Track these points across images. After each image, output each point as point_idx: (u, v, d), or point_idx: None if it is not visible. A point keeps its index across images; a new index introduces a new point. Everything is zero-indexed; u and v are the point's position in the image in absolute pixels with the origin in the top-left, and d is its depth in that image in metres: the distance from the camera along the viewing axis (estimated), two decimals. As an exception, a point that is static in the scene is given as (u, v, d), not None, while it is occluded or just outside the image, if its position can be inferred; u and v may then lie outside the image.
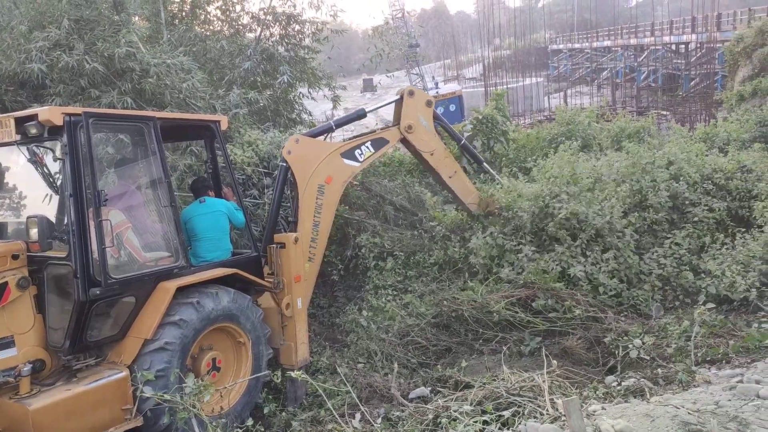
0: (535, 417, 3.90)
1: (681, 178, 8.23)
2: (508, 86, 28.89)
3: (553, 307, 6.51)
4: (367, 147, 6.77)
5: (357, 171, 6.91)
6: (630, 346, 5.54)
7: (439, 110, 25.44)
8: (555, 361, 5.06)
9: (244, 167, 8.01)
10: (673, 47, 35.53)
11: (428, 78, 28.03)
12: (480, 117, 11.52)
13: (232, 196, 6.30)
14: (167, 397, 4.38)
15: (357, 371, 6.31)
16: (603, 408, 3.72)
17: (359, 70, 19.26)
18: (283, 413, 5.73)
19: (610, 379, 5.30)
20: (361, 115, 7.27)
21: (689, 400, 3.76)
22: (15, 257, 4.48)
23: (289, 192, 6.61)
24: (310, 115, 12.12)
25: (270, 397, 5.97)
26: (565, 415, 3.47)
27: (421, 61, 28.48)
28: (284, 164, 6.29)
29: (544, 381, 4.40)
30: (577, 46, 46.02)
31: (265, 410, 5.55)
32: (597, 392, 4.77)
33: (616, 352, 5.76)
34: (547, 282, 6.64)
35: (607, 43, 41.78)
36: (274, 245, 6.26)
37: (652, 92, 32.78)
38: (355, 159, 6.69)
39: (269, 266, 6.28)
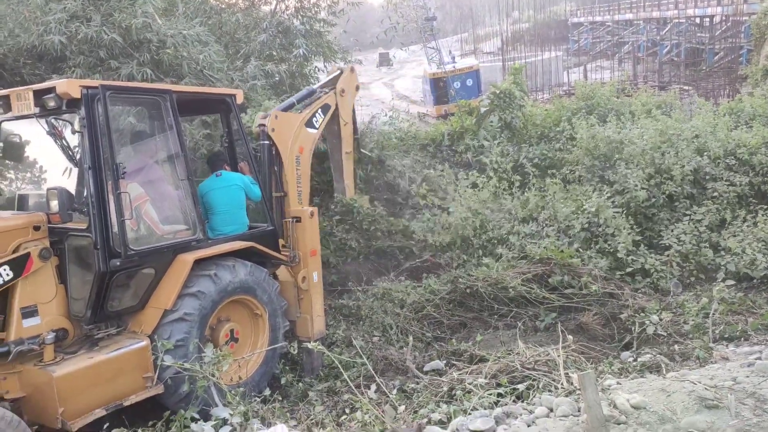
0: (549, 391, 3.92)
1: (705, 153, 8.09)
2: (527, 60, 28.37)
3: (570, 283, 6.49)
4: (320, 113, 6.96)
5: (317, 137, 7.05)
6: (647, 322, 5.52)
7: (456, 85, 25.09)
8: (570, 336, 5.06)
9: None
10: (697, 20, 34.51)
11: (445, 52, 27.58)
12: (497, 92, 11.35)
13: (248, 170, 6.31)
14: (187, 366, 4.47)
15: (372, 344, 6.38)
16: (618, 383, 3.72)
17: (374, 43, 19.01)
18: (300, 384, 5.82)
19: (625, 354, 5.30)
20: (312, 92, 7.39)
21: (706, 376, 3.75)
22: (36, 228, 4.54)
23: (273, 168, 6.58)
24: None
25: (287, 368, 6.05)
26: (580, 389, 3.47)
27: (438, 35, 27.99)
28: (267, 142, 6.26)
29: (559, 355, 4.41)
30: (598, 19, 44.92)
31: (282, 380, 5.64)
32: (612, 368, 4.77)
33: (633, 328, 5.75)
34: (563, 258, 6.60)
35: (629, 16, 40.71)
36: (291, 219, 6.29)
37: (674, 67, 32.01)
38: (314, 126, 6.87)
39: (284, 240, 6.31)
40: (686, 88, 25.29)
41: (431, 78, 24.88)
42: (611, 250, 6.77)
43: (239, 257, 5.51)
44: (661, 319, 5.54)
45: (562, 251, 6.61)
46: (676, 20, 34.59)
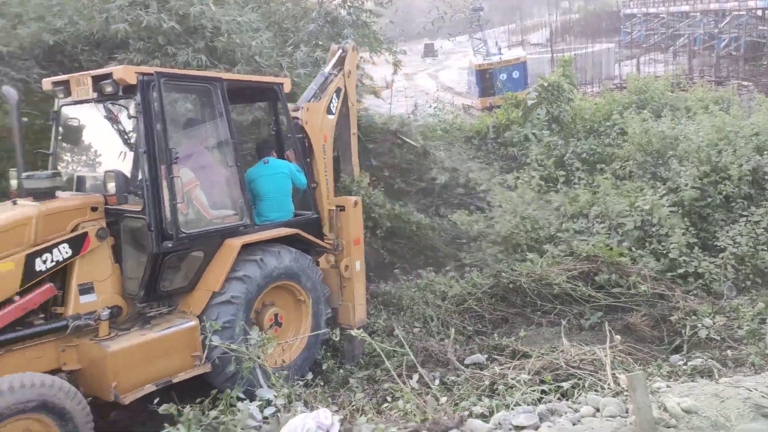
0: (595, 390, 3.84)
1: (765, 152, 7.73)
2: (576, 53, 27.67)
3: (617, 282, 6.33)
4: (335, 98, 6.88)
5: (335, 123, 6.97)
6: (699, 325, 5.34)
7: (502, 77, 24.75)
8: (618, 336, 4.94)
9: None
10: (759, 12, 32.90)
11: (491, 43, 27.15)
12: (546, 84, 11.14)
13: (294, 158, 6.38)
14: (234, 347, 4.58)
15: (413, 335, 6.39)
16: (668, 386, 3.62)
17: (420, 33, 18.81)
18: (341, 370, 5.89)
19: (675, 358, 5.15)
20: (326, 77, 7.18)
21: (762, 384, 3.60)
22: (94, 209, 4.72)
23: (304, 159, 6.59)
24: (371, 80, 12.04)
25: (328, 354, 6.13)
26: (628, 390, 3.39)
27: (485, 26, 27.57)
28: (301, 135, 6.28)
29: (606, 355, 4.31)
30: (652, 10, 43.37)
31: (324, 366, 5.71)
32: (661, 370, 4.65)
33: (683, 331, 5.58)
34: (612, 256, 6.43)
35: (685, 7, 39.15)
36: (335, 208, 6.34)
37: (733, 61, 30.65)
38: (332, 112, 6.79)
39: (329, 228, 6.37)
40: (745, 83, 24.19)
41: (477, 69, 24.57)
42: (664, 252, 6.55)
43: (284, 244, 5.60)
44: (714, 323, 5.34)
45: (610, 249, 6.44)
46: (736, 12, 33.07)
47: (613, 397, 3.57)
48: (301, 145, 6.27)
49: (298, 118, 6.20)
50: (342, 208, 6.29)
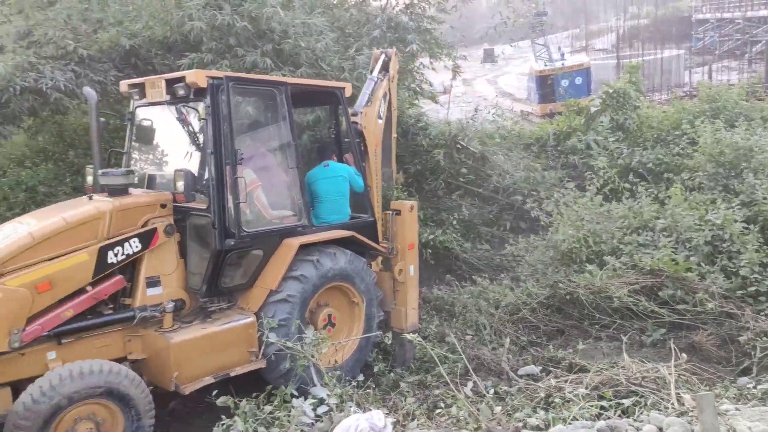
0: (658, 409, 3.69)
1: None
2: (644, 59, 26.71)
3: (683, 298, 6.05)
4: (383, 103, 6.87)
5: (382, 127, 6.94)
6: (771, 347, 5.03)
7: (564, 83, 24.17)
8: (684, 355, 4.73)
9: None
10: None
11: (554, 48, 26.58)
12: (611, 91, 10.81)
13: (352, 162, 6.46)
14: (289, 344, 4.67)
15: (465, 342, 6.33)
16: (737, 409, 3.43)
17: (481, 39, 18.62)
18: (392, 374, 5.91)
19: (743, 380, 4.89)
20: (375, 82, 7.17)
21: (842, 413, 3.35)
22: (163, 206, 4.94)
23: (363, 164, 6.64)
24: (431, 85, 12.04)
25: (379, 357, 6.16)
26: (693, 411, 3.25)
27: (548, 31, 27.02)
28: (359, 139, 6.33)
29: (670, 373, 4.13)
30: (727, 15, 41.27)
31: (375, 369, 5.74)
32: (728, 392, 4.41)
33: (753, 352, 5.28)
34: (678, 271, 6.16)
35: (763, 12, 37.03)
36: (391, 212, 6.37)
37: (815, 69, 28.73)
38: (380, 117, 6.80)
39: (384, 232, 6.41)
40: (829, 92, 22.65)
41: (538, 75, 24.10)
42: (734, 270, 6.21)
43: (340, 245, 5.68)
44: (788, 346, 5.03)
45: (676, 263, 6.16)
46: (821, 17, 31.00)
47: (678, 417, 3.42)
48: (358, 149, 6.36)
49: (357, 123, 6.28)
50: (398, 212, 6.32)
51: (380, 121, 6.76)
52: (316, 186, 5.98)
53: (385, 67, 7.22)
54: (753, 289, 6.16)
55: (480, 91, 30.07)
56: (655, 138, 10.41)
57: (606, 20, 42.95)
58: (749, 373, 5.09)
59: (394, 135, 7.59)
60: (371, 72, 7.04)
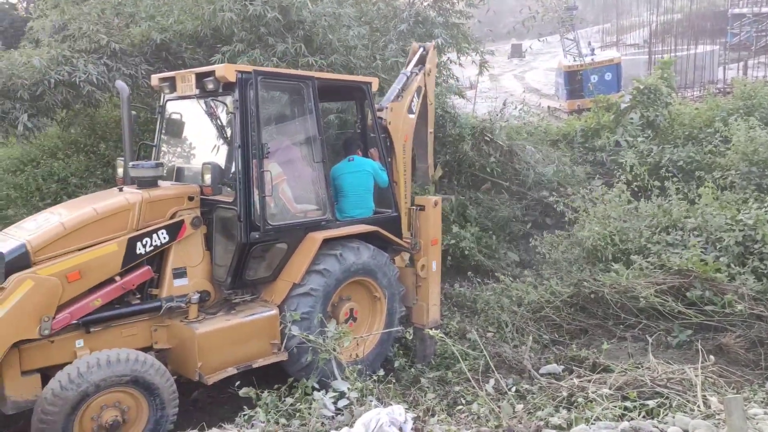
0: (684, 412, 3.62)
1: None
2: (677, 54, 26.08)
3: (711, 299, 5.92)
4: (416, 97, 6.80)
5: (414, 123, 6.88)
6: (802, 351, 4.90)
7: (593, 79, 23.70)
8: (712, 357, 4.63)
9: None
10: None
11: (583, 43, 26.10)
12: (641, 87, 10.59)
13: (377, 156, 6.47)
14: (311, 337, 4.72)
15: (486, 339, 6.30)
16: (766, 413, 3.35)
17: (509, 33, 18.36)
18: (412, 369, 5.92)
19: (773, 384, 4.76)
20: (408, 76, 7.06)
21: None
22: (191, 198, 5.02)
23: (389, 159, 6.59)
24: (457, 81, 11.96)
25: (400, 352, 6.18)
26: (720, 414, 3.18)
27: (578, 25, 26.54)
28: (384, 135, 6.29)
29: (697, 375, 4.05)
30: (765, 10, 40.00)
31: (396, 364, 5.76)
32: (756, 396, 4.31)
33: (783, 356, 5.15)
34: (706, 271, 6.03)
35: (804, 6, 35.78)
36: (414, 207, 6.37)
37: None
38: (412, 111, 6.72)
39: (408, 227, 6.41)
40: None
41: (566, 71, 23.71)
42: (766, 271, 6.05)
43: (363, 240, 5.70)
44: (820, 350, 4.89)
45: (705, 264, 6.03)
46: None
47: (704, 419, 3.36)
48: (383, 144, 6.36)
49: (382, 118, 6.27)
50: (422, 208, 6.31)
51: (411, 116, 6.70)
52: (340, 180, 6.01)
53: (422, 61, 7.16)
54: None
55: (507, 86, 29.74)
56: (687, 135, 10.18)
57: (638, 15, 41.98)
58: (779, 378, 4.97)
59: (431, 130, 7.50)
60: (407, 66, 7.02)
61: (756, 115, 9.54)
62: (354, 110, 7.07)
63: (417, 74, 6.98)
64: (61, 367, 4.12)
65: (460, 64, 11.53)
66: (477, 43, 11.41)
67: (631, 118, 10.64)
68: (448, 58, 11.26)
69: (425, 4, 10.65)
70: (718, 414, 3.40)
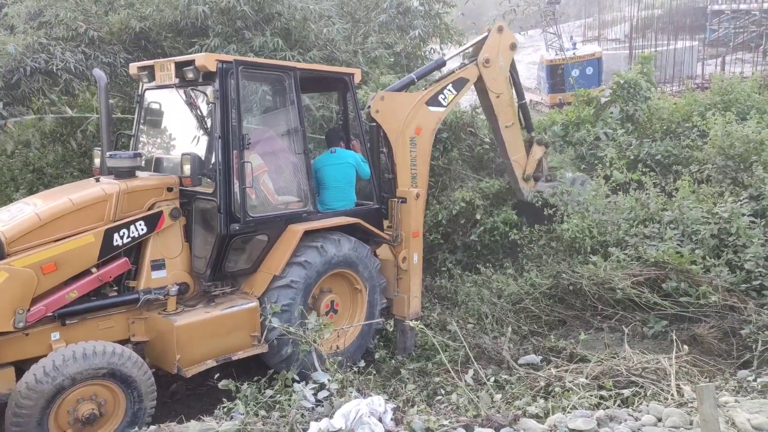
0: (658, 400, 3.70)
1: None
2: (657, 49, 26.39)
3: (686, 291, 6.04)
4: (449, 90, 6.54)
5: (443, 116, 6.74)
6: (772, 341, 5.02)
7: (575, 73, 23.85)
8: (686, 347, 4.73)
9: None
10: None
11: (566, 38, 26.30)
12: (621, 81, 10.68)
13: (359, 148, 6.45)
14: (291, 329, 4.71)
15: (466, 331, 6.35)
16: (737, 401, 3.44)
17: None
18: (393, 361, 5.95)
19: (743, 373, 4.88)
20: (440, 63, 6.96)
21: (841, 407, 3.35)
22: (169, 189, 4.97)
23: (383, 150, 6.55)
24: (440, 71, 11.97)
25: (381, 344, 6.20)
26: (693, 402, 3.26)
27: (560, 19, 26.72)
28: (374, 124, 6.24)
29: (671, 365, 4.14)
30: (743, 7, 40.60)
31: (376, 355, 5.78)
32: (728, 385, 4.42)
33: (754, 346, 5.27)
34: (682, 263, 6.14)
35: (781, 3, 36.39)
36: (396, 199, 6.37)
37: (831, 62, 28.30)
38: (439, 104, 6.53)
39: (389, 220, 6.41)
40: (844, 86, 22.30)
41: (548, 65, 23.89)
42: (740, 264, 6.18)
43: (345, 232, 5.69)
44: (790, 340, 5.01)
45: (681, 256, 6.14)
46: (840, 9, 30.44)
47: (677, 407, 3.43)
48: (375, 134, 6.24)
49: (370, 107, 6.16)
50: (404, 200, 6.32)
51: (433, 109, 6.46)
52: (322, 172, 5.99)
53: (476, 51, 6.80)
54: (757, 283, 6.13)
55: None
56: (665, 130, 10.30)
57: (620, 10, 42.36)
58: (750, 366, 5.09)
59: (506, 125, 7.19)
60: (451, 51, 6.81)
61: (733, 110, 9.70)
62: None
63: (466, 67, 6.65)
64: (36, 360, 4.06)
65: (444, 55, 11.53)
66: (460, 36, 11.43)
67: (611, 112, 10.73)
68: (432, 48, 11.27)
69: (408, -7, 10.62)
70: (691, 402, 3.47)
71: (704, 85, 19.71)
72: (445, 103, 6.58)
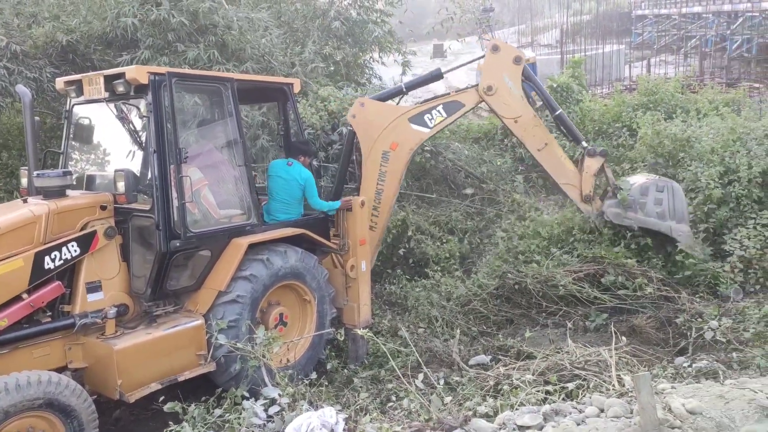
0: (600, 391, 3.84)
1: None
2: (587, 54, 27.53)
3: (623, 284, 6.31)
4: (439, 111, 6.17)
5: (426, 137, 6.43)
6: (705, 327, 5.31)
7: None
8: (624, 338, 4.93)
9: (315, 126, 8.12)
10: (774, 13, 32.49)
11: (501, 44, 27.02)
12: (554, 85, 11.10)
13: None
14: (239, 345, 4.61)
15: (417, 335, 6.40)
16: (673, 387, 3.61)
17: (429, 34, 18.80)
18: (345, 370, 5.91)
19: (680, 360, 5.14)
20: (436, 75, 6.58)
21: (768, 386, 3.57)
22: (103, 208, 4.78)
23: (355, 156, 6.53)
24: (380, 80, 12.08)
25: (333, 354, 6.16)
26: (632, 391, 3.39)
27: (495, 26, 27.49)
28: (350, 128, 6.20)
29: (611, 356, 4.31)
30: (664, 11, 42.99)
31: (328, 366, 5.74)
32: (666, 372, 4.63)
33: (689, 333, 5.57)
34: (618, 258, 6.42)
35: (697, 9, 38.71)
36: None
37: (744, 63, 30.33)
38: (425, 124, 6.18)
39: (335, 228, 6.39)
40: (756, 85, 23.93)
41: (485, 70, 24.43)
42: (668, 254, 6.53)
43: (291, 243, 5.63)
44: (719, 326, 5.32)
45: (616, 252, 6.42)
46: (749, 13, 32.72)
47: (618, 397, 3.57)
48: (348, 138, 6.10)
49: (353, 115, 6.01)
50: (349, 208, 6.30)
51: (416, 127, 6.03)
52: (272, 180, 5.89)
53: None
54: (688, 273, 6.47)
55: (430, 86, 30.26)
56: (597, 130, 10.76)
57: (551, 16, 43.99)
58: (685, 353, 5.35)
59: (538, 148, 6.50)
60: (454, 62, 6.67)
61: (659, 109, 10.24)
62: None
63: (465, 90, 6.21)
64: (-37, 395, 3.80)
65: (383, 63, 11.65)
66: (399, 43, 11.59)
67: (546, 116, 11.12)
68: (371, 56, 11.35)
69: (345, 3, 10.68)
70: (631, 392, 3.62)
71: (632, 87, 20.68)
72: (430, 125, 6.19)
